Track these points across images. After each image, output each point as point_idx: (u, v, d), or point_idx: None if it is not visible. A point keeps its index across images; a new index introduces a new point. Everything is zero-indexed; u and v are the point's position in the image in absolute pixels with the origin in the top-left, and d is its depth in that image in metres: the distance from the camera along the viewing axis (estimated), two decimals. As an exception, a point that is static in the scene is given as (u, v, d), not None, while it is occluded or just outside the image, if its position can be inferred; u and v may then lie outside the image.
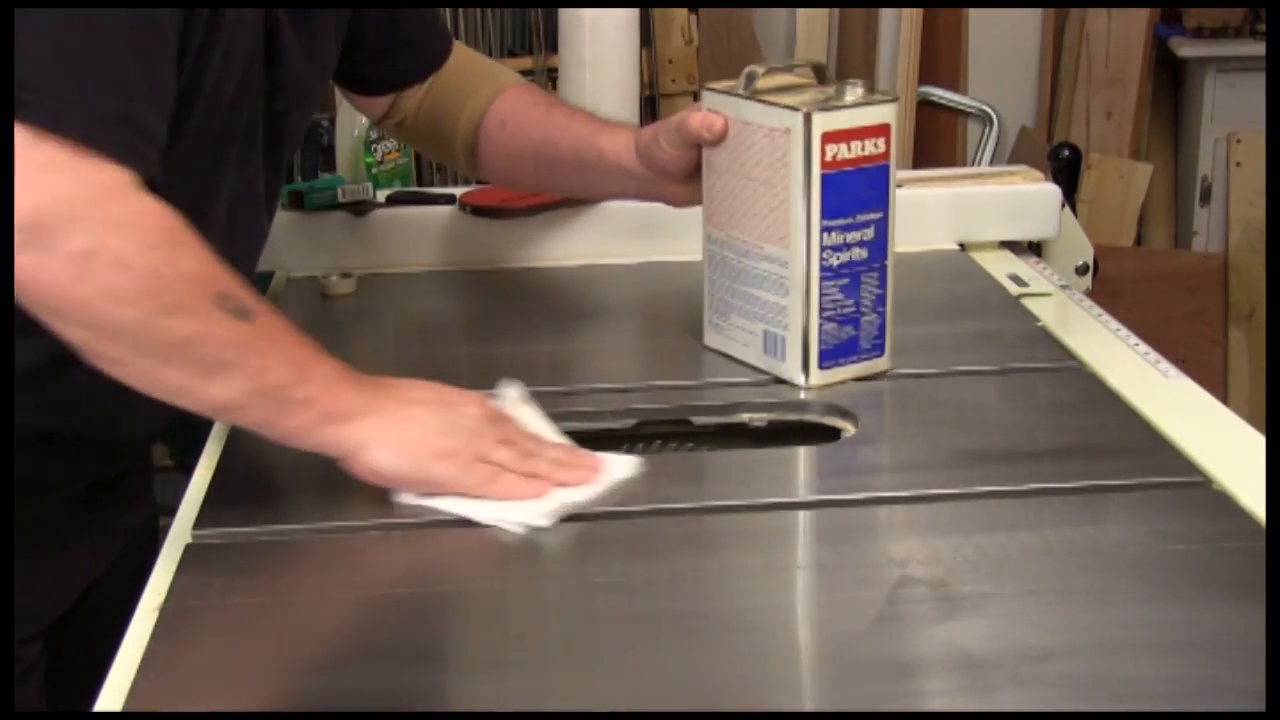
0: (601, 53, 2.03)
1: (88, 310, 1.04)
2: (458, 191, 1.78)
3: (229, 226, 1.29)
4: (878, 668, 0.95)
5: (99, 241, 1.02)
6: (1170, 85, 3.41)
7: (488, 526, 1.13)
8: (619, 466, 1.20)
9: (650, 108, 2.88)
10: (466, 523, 1.15)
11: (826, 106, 1.31)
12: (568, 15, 2.05)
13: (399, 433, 1.15)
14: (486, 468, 1.16)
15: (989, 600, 1.01)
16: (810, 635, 1.03)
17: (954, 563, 1.06)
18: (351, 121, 1.87)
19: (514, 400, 1.27)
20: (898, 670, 0.95)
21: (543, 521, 1.13)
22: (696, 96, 2.98)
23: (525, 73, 2.81)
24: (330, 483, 1.27)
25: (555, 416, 1.34)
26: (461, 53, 1.60)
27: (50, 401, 1.22)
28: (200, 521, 1.14)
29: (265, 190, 1.34)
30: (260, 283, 1.74)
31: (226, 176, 1.27)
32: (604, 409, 1.35)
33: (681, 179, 1.44)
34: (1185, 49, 3.24)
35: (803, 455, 1.29)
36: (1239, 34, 3.23)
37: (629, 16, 2.06)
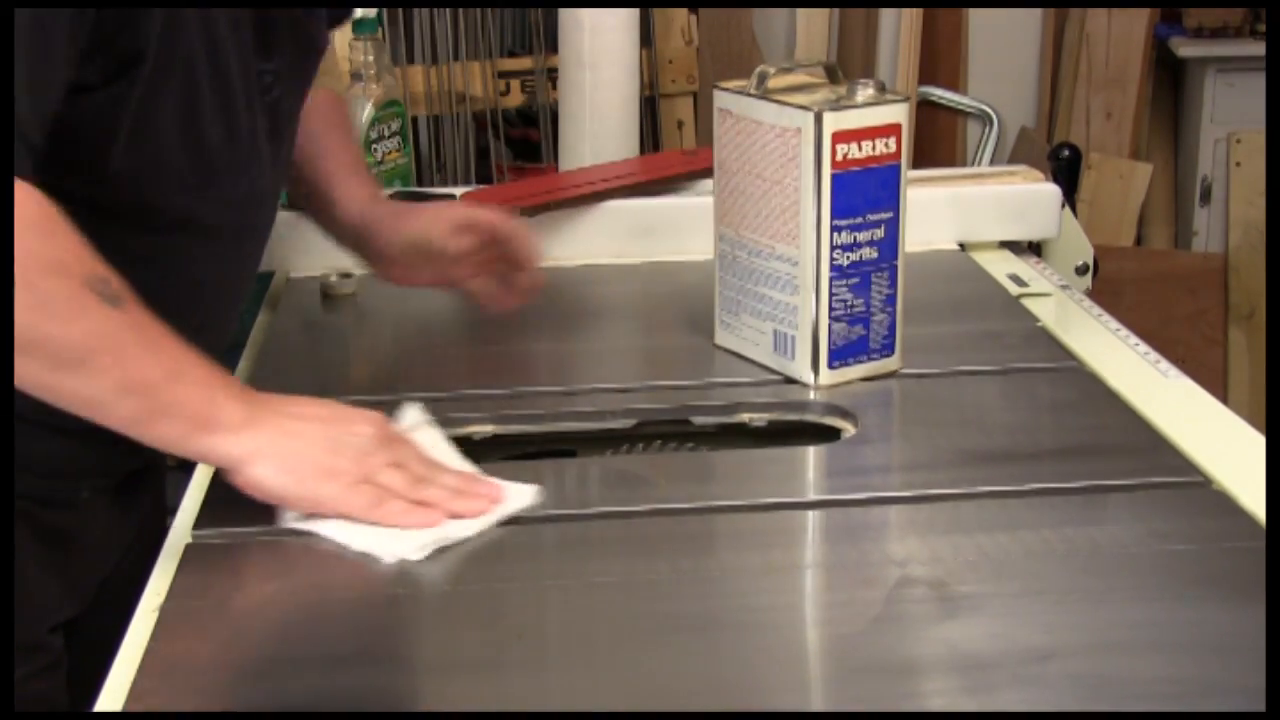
0: (601, 53, 2.03)
1: None
2: (458, 192, 1.78)
3: (238, 229, 1.28)
4: (878, 668, 0.95)
5: None
6: (1170, 85, 3.41)
7: (518, 519, 1.13)
8: (517, 497, 1.16)
9: (650, 108, 2.88)
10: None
11: (837, 106, 1.31)
12: (568, 15, 2.05)
13: (283, 447, 1.10)
14: (373, 490, 1.11)
15: (989, 600, 1.01)
16: (811, 635, 1.03)
17: (954, 563, 1.06)
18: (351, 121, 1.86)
19: (415, 423, 1.23)
20: (898, 670, 0.95)
21: (416, 555, 1.08)
22: (696, 96, 2.98)
23: (525, 72, 2.81)
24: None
25: (555, 417, 1.35)
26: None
27: None
28: (200, 521, 1.14)
29: (272, 188, 1.33)
30: (260, 283, 1.74)
31: (223, 184, 1.24)
32: (604, 409, 1.35)
33: (392, 267, 1.48)
34: (1185, 49, 3.24)
35: (803, 455, 1.29)
36: (1239, 34, 3.23)
37: (629, 16, 2.06)
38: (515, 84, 2.83)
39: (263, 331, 1.59)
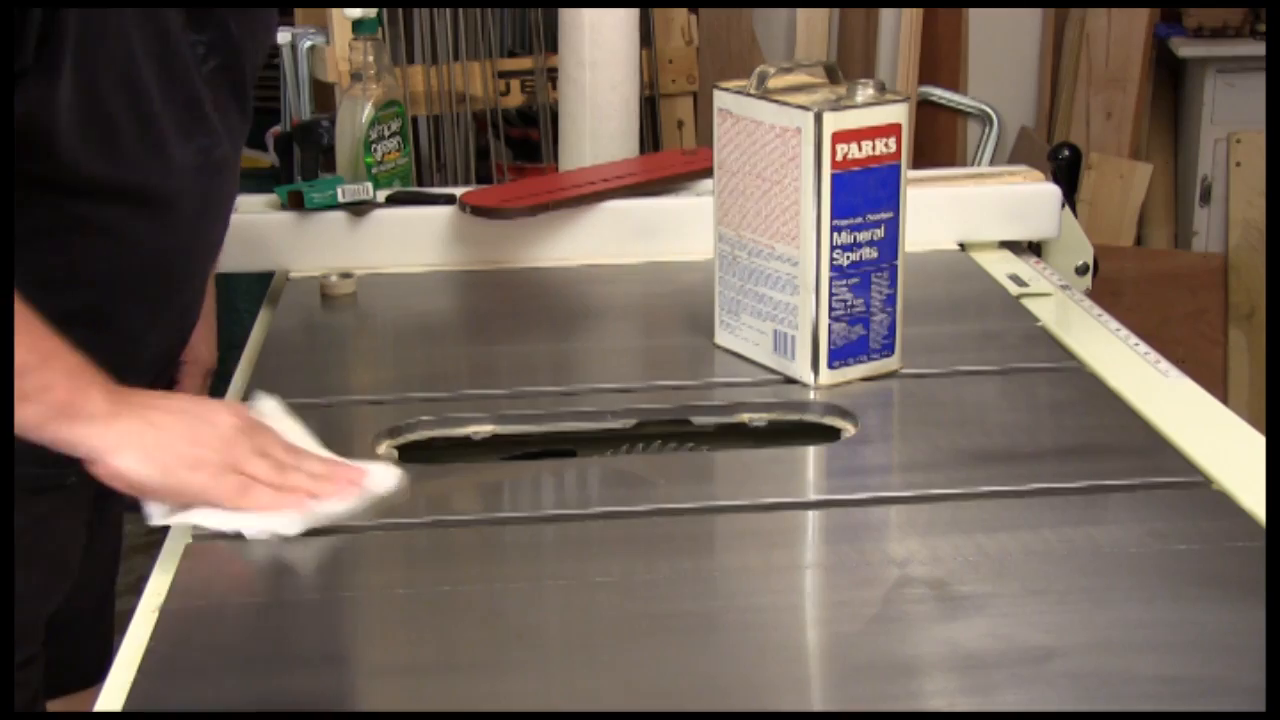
0: (601, 53, 2.02)
1: None
2: (458, 191, 1.78)
3: (196, 199, 1.28)
4: (878, 668, 0.95)
5: None
6: (1170, 85, 3.41)
7: (518, 519, 1.13)
8: (380, 479, 1.16)
9: (650, 108, 2.88)
10: (465, 523, 1.15)
11: (837, 106, 1.31)
12: (568, 15, 2.05)
13: (147, 438, 1.10)
14: (239, 479, 1.12)
15: (989, 600, 1.01)
16: (811, 635, 1.03)
17: (954, 563, 1.06)
18: (351, 121, 1.87)
19: (271, 412, 1.24)
20: (898, 670, 0.95)
21: (291, 530, 1.10)
22: (696, 96, 2.98)
23: (525, 72, 2.81)
24: (330, 483, 1.27)
25: (555, 417, 1.35)
26: None
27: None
28: (200, 521, 1.14)
29: (227, 158, 1.31)
30: (260, 283, 1.75)
31: (174, 154, 1.23)
32: (604, 409, 1.35)
33: None
34: (1185, 49, 3.24)
35: (803, 455, 1.29)
36: (1239, 34, 3.23)
37: (629, 16, 2.06)
38: (515, 84, 2.83)
39: (263, 331, 1.59)
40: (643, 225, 1.76)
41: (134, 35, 1.16)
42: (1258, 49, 3.17)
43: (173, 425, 1.12)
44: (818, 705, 0.93)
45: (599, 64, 2.02)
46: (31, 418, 1.08)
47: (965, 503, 1.16)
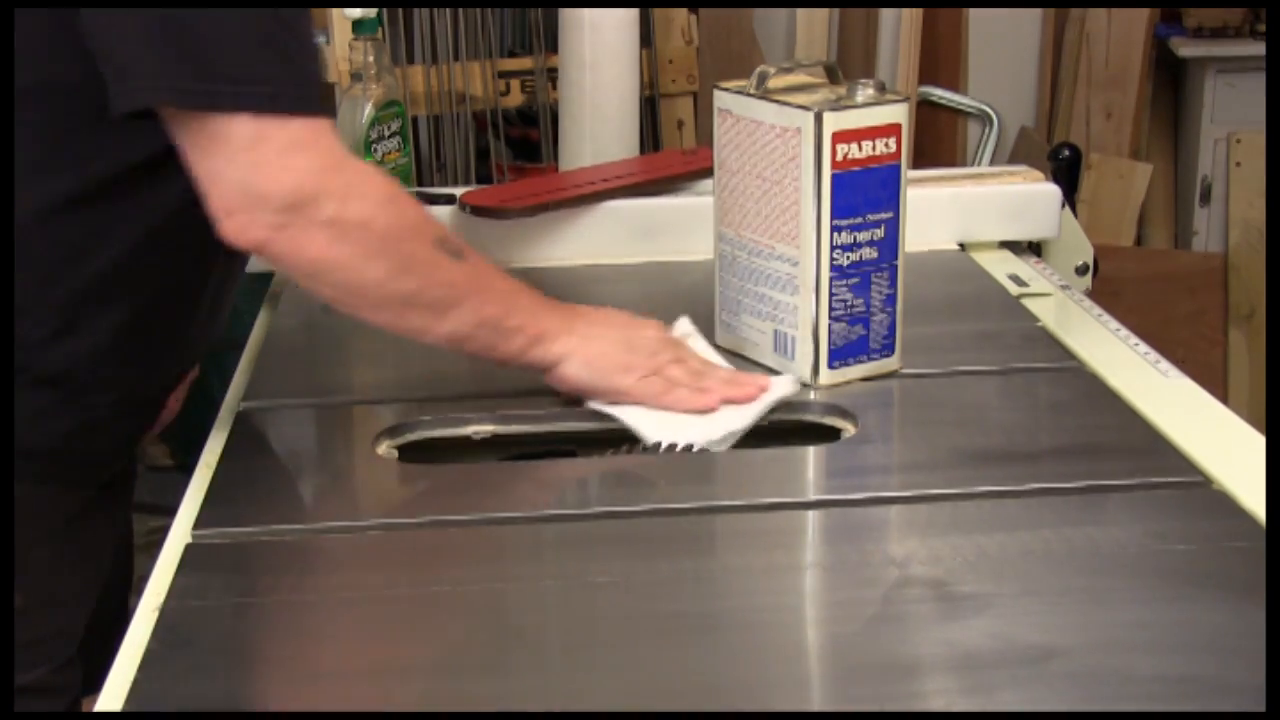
0: (601, 53, 2.02)
1: (342, 272, 1.16)
2: (458, 191, 1.78)
3: None
4: (878, 668, 0.95)
5: (344, 207, 1.14)
6: (1170, 85, 3.41)
7: (518, 519, 1.13)
8: (780, 385, 1.33)
9: (650, 108, 2.88)
10: (465, 523, 1.15)
11: (837, 106, 1.31)
12: (568, 15, 2.05)
13: (589, 347, 1.30)
14: (661, 381, 1.30)
15: (989, 600, 1.01)
16: (810, 635, 1.03)
17: (954, 563, 1.06)
18: (351, 122, 1.86)
19: (688, 331, 1.41)
20: (898, 670, 0.95)
21: (716, 442, 1.26)
22: (696, 96, 2.98)
23: (525, 72, 2.81)
24: (330, 483, 1.27)
25: (555, 417, 1.35)
26: None
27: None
28: (200, 521, 1.14)
29: None
30: (260, 283, 1.74)
31: None
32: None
33: None
34: (1185, 49, 3.24)
35: (803, 455, 1.29)
36: (1239, 34, 3.23)
37: (629, 16, 2.06)
38: (515, 84, 2.83)
39: (263, 331, 1.59)
40: (643, 225, 1.76)
41: None
42: (1258, 49, 3.17)
43: (609, 336, 1.32)
44: (818, 705, 0.93)
45: (599, 64, 2.02)
46: (514, 350, 1.28)
47: (965, 503, 1.16)
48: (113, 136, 1.16)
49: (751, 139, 1.36)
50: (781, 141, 1.33)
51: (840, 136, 1.31)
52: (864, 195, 1.34)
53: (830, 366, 1.37)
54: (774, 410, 1.34)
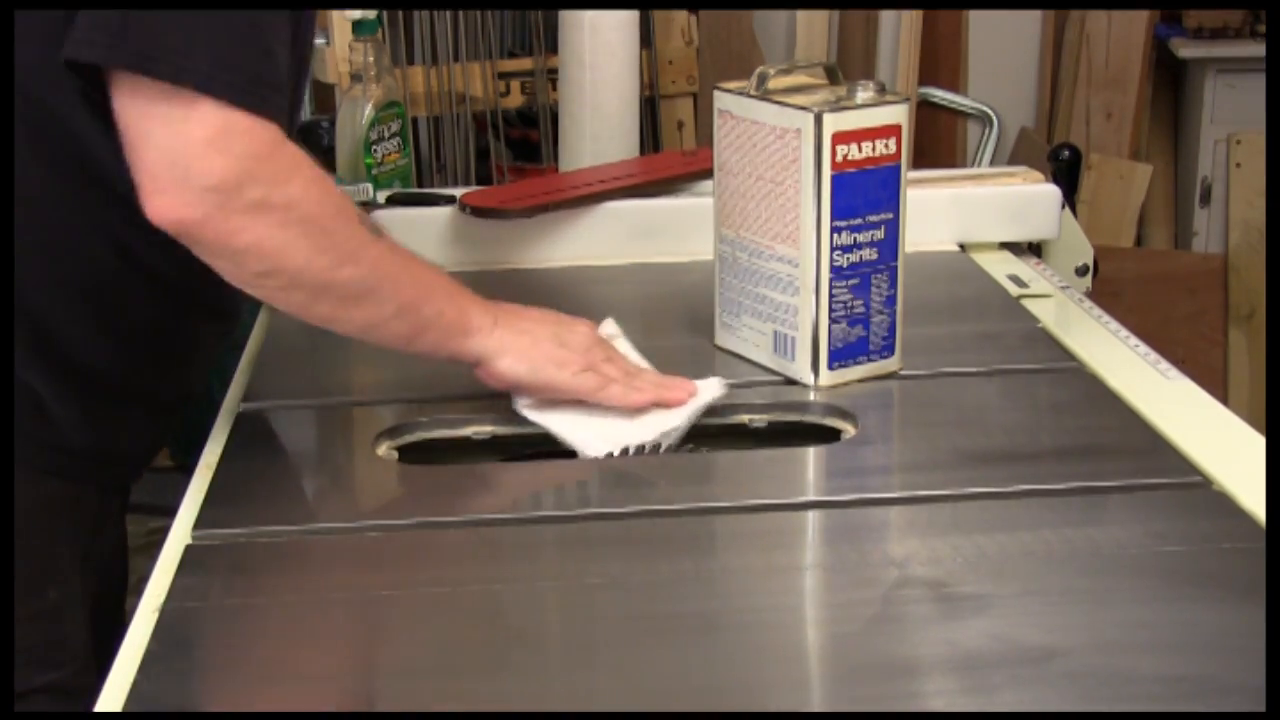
0: (601, 53, 2.02)
1: (261, 256, 1.13)
2: (458, 192, 1.78)
3: None
4: (878, 668, 0.95)
5: (271, 191, 1.11)
6: (1170, 86, 3.41)
7: (518, 520, 1.13)
8: (708, 389, 1.31)
9: (650, 108, 2.88)
10: (465, 524, 1.15)
11: (837, 107, 1.31)
12: (568, 15, 2.05)
13: (519, 341, 1.27)
14: (596, 376, 1.28)
15: (989, 600, 1.01)
16: (810, 636, 1.03)
17: (954, 563, 1.06)
18: (351, 122, 1.86)
19: (612, 333, 1.39)
20: (898, 670, 0.95)
21: (652, 443, 1.25)
22: (696, 97, 2.98)
23: (525, 73, 2.81)
24: (330, 483, 1.27)
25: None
26: None
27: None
28: (200, 521, 1.14)
29: None
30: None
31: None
32: (604, 409, 1.35)
33: None
34: (1185, 50, 3.24)
35: (803, 456, 1.29)
36: (1239, 35, 3.23)
37: (629, 17, 2.06)
38: (515, 84, 2.83)
39: (263, 331, 1.59)
40: (643, 226, 1.76)
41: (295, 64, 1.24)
42: (1258, 50, 3.17)
43: (540, 331, 1.29)
44: (817, 705, 0.93)
45: (599, 64, 2.02)
46: (433, 341, 1.25)
47: (965, 503, 1.16)
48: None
49: (752, 140, 1.36)
50: (781, 143, 1.33)
51: (840, 137, 1.31)
52: (864, 196, 1.33)
53: (830, 368, 1.36)
54: (773, 411, 1.34)
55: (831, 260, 1.34)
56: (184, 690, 0.94)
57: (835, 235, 1.33)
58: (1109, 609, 1.01)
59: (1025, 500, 1.16)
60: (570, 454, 1.35)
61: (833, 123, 1.30)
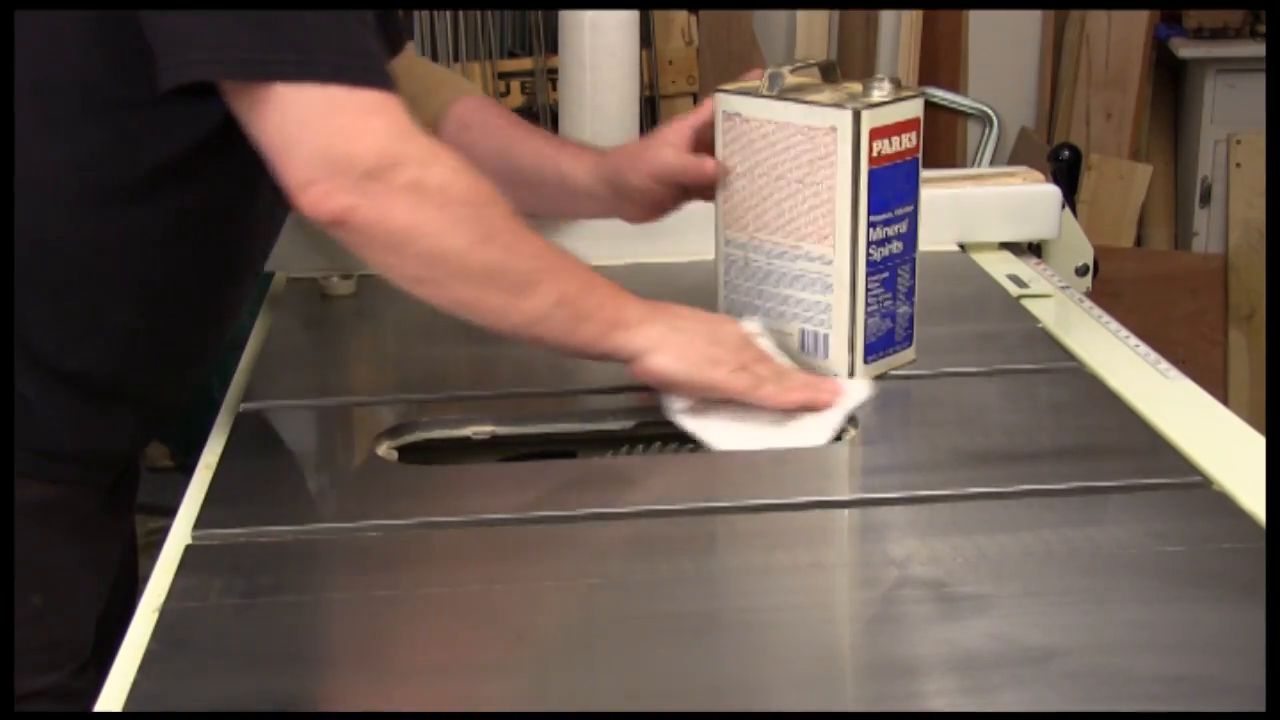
0: (601, 53, 2.02)
1: (426, 240, 1.13)
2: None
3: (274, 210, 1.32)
4: (878, 668, 0.95)
5: (425, 172, 1.11)
6: (1170, 86, 3.41)
7: (518, 520, 1.14)
8: (856, 390, 1.30)
9: (650, 108, 2.88)
10: (465, 523, 1.15)
11: (872, 103, 1.32)
12: (568, 16, 2.05)
13: (674, 339, 1.25)
14: (750, 375, 1.26)
15: (989, 600, 1.01)
16: (810, 635, 1.02)
17: (954, 563, 1.06)
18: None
19: (756, 331, 1.36)
20: (898, 670, 0.95)
21: (820, 439, 1.24)
22: (696, 97, 2.98)
23: (525, 73, 2.81)
24: (330, 483, 1.27)
25: (555, 417, 1.35)
26: (418, 58, 1.60)
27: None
28: (200, 521, 1.14)
29: None
30: (260, 283, 1.74)
31: None
32: (603, 410, 1.35)
33: (648, 206, 1.45)
34: (1185, 50, 3.24)
35: (803, 456, 1.29)
36: (1239, 35, 3.23)
37: (629, 17, 2.06)
38: (515, 84, 2.83)
39: (263, 331, 1.59)
40: (643, 226, 1.76)
41: None
42: (1258, 50, 3.17)
43: (694, 329, 1.27)
44: (817, 705, 0.93)
45: (599, 65, 2.02)
46: (591, 335, 1.23)
47: (965, 503, 1.16)
48: (143, 133, 1.16)
49: (769, 141, 1.36)
50: (811, 142, 1.33)
51: (876, 133, 1.32)
52: (894, 190, 1.35)
53: (866, 361, 1.37)
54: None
55: (868, 255, 1.34)
56: (184, 690, 0.94)
57: (871, 230, 1.34)
58: (1109, 609, 1.01)
59: (1025, 500, 1.16)
60: (570, 454, 1.35)
61: (870, 119, 1.31)
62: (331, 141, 1.09)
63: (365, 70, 1.11)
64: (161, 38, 1.09)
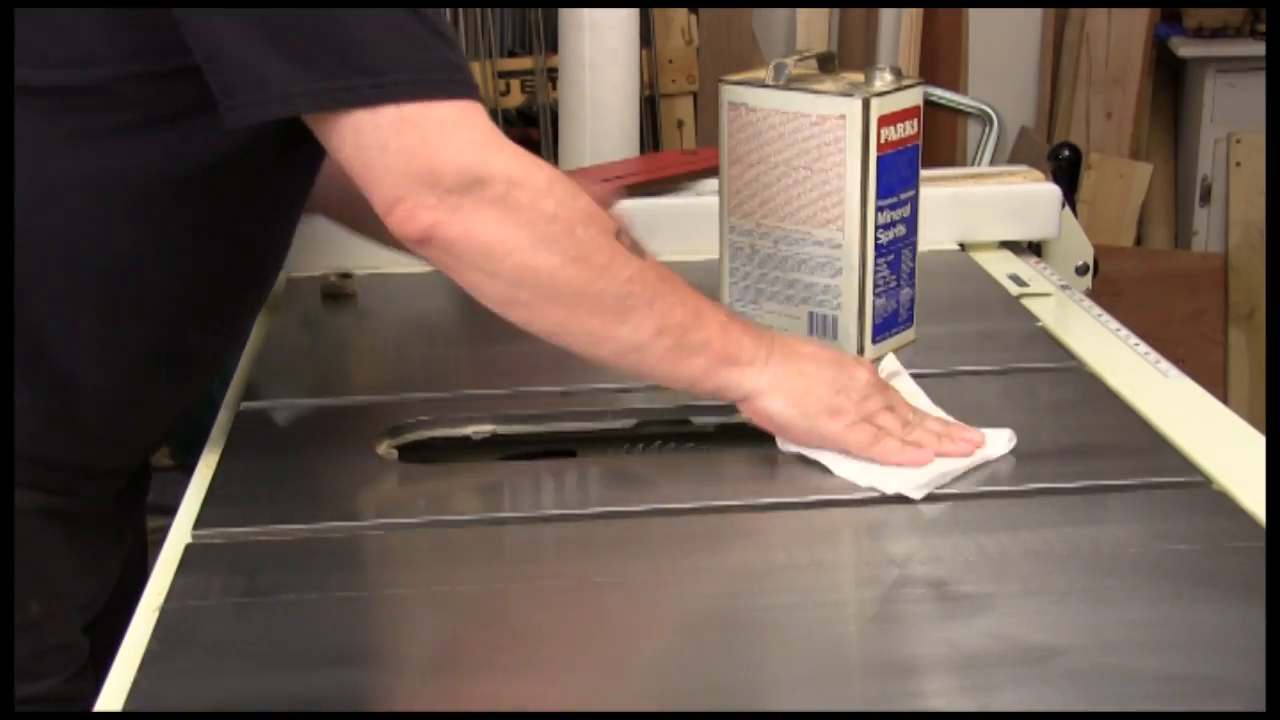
0: (601, 53, 2.02)
1: (514, 256, 1.08)
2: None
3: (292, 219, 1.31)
4: (878, 667, 0.95)
5: (513, 187, 1.08)
6: (1170, 85, 3.41)
7: (519, 519, 1.14)
8: (995, 442, 1.21)
9: (650, 107, 2.88)
10: (465, 523, 1.15)
11: (878, 91, 1.36)
12: (568, 15, 2.05)
13: (794, 384, 1.18)
14: (871, 429, 1.18)
15: (989, 600, 1.01)
16: (811, 635, 1.02)
17: (954, 563, 1.06)
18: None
19: (893, 371, 1.32)
20: (898, 669, 0.95)
21: (917, 494, 1.14)
22: (696, 96, 2.98)
23: (525, 72, 2.81)
24: (330, 483, 1.27)
25: (555, 417, 1.35)
26: None
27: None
28: (200, 521, 1.14)
29: None
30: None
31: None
32: (605, 409, 1.35)
33: None
34: (1185, 49, 3.24)
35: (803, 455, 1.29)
36: (1239, 34, 3.23)
37: (629, 16, 2.06)
38: (515, 84, 2.83)
39: (263, 331, 1.59)
40: (643, 225, 1.75)
41: None
42: (1258, 49, 3.17)
43: (816, 373, 1.20)
44: (818, 705, 0.93)
45: (599, 64, 2.02)
46: (699, 369, 1.16)
47: (965, 502, 1.16)
48: (168, 148, 1.14)
49: (777, 130, 1.39)
50: (820, 129, 1.36)
51: (883, 120, 1.36)
52: (898, 175, 1.39)
53: (874, 342, 1.41)
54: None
55: (875, 238, 1.38)
56: (184, 690, 0.94)
57: (879, 214, 1.38)
58: (1110, 608, 1.01)
59: (1026, 499, 1.16)
60: (570, 454, 1.35)
61: (879, 106, 1.35)
62: (412, 160, 1.06)
63: (442, 83, 1.08)
64: (230, 75, 1.06)
